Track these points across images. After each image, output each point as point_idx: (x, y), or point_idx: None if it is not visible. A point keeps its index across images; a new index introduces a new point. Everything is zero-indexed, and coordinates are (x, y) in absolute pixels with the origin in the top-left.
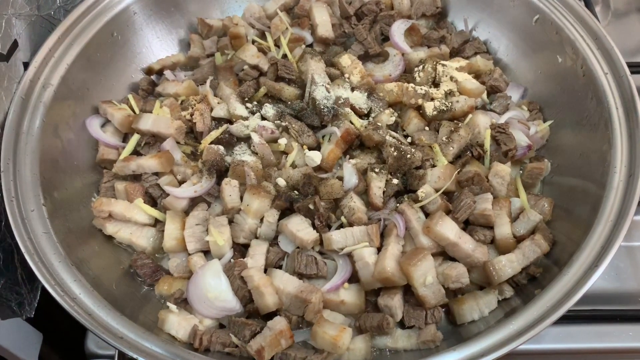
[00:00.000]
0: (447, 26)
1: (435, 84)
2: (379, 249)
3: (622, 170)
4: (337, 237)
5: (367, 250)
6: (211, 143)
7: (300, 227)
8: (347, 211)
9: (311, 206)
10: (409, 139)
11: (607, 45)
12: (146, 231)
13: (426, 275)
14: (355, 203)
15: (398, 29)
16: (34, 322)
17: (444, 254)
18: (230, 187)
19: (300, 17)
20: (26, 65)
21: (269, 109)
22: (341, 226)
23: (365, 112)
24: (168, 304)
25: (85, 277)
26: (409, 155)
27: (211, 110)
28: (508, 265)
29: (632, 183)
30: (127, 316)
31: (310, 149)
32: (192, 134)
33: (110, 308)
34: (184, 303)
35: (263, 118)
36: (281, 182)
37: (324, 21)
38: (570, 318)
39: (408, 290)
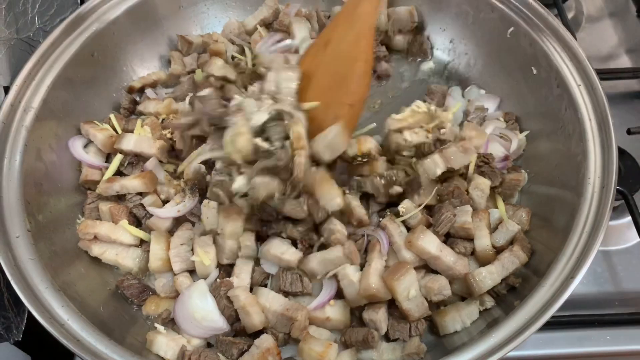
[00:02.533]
0: (424, 41)
1: None
2: (362, 265)
3: (595, 181)
4: (317, 267)
5: (350, 269)
6: None
7: (282, 250)
8: (327, 234)
9: (284, 235)
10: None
11: (580, 56)
12: (132, 252)
13: (409, 289)
14: (335, 225)
15: None
16: (21, 345)
17: (426, 266)
18: (207, 208)
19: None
20: (6, 89)
21: None
22: (323, 245)
23: None
24: (156, 325)
25: (72, 302)
26: (394, 178)
27: None
28: (488, 276)
29: (606, 194)
30: (115, 339)
31: None
32: (175, 152)
33: (98, 332)
34: (171, 323)
35: None
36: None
37: (304, 38)
38: (551, 324)
39: (392, 304)
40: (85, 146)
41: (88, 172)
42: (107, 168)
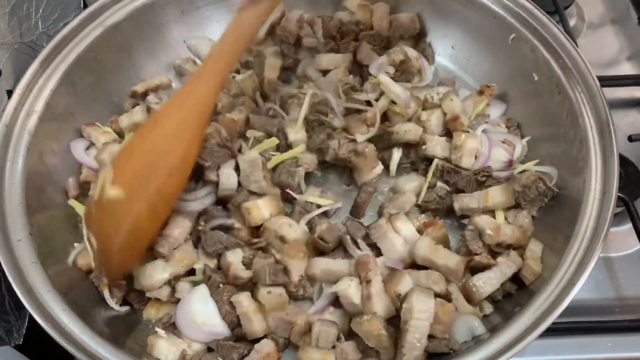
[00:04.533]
0: (426, 47)
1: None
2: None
3: (596, 187)
4: (319, 274)
5: (352, 289)
6: None
7: None
8: None
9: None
10: None
11: (581, 63)
12: None
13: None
14: None
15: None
16: (22, 349)
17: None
18: None
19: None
20: (10, 93)
21: None
22: None
23: None
24: (157, 329)
25: (73, 305)
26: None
27: None
28: (488, 282)
29: (607, 201)
30: (115, 343)
31: None
32: None
33: (99, 336)
34: (172, 327)
35: None
36: None
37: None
38: (552, 330)
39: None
40: (87, 148)
41: (88, 174)
42: None
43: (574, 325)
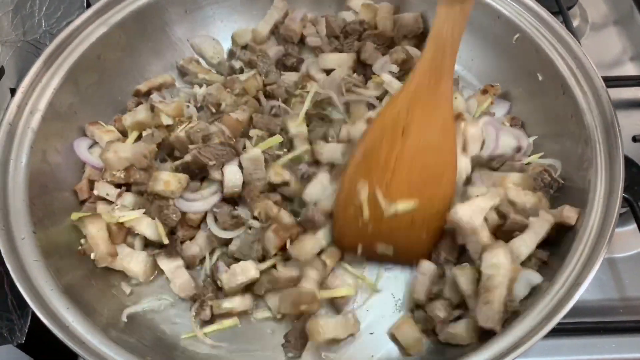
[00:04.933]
0: None
1: None
2: None
3: (602, 188)
4: None
5: None
6: None
7: None
8: None
9: None
10: None
11: (586, 64)
12: (138, 255)
13: None
14: None
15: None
16: (24, 348)
17: None
18: None
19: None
20: (13, 91)
21: None
22: None
23: None
24: None
25: (77, 304)
26: None
27: None
28: (523, 245)
29: (612, 201)
30: (119, 342)
31: None
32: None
33: (102, 335)
34: None
35: None
36: None
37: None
38: (556, 331)
39: None
40: (91, 147)
41: (91, 173)
42: None
43: (577, 326)
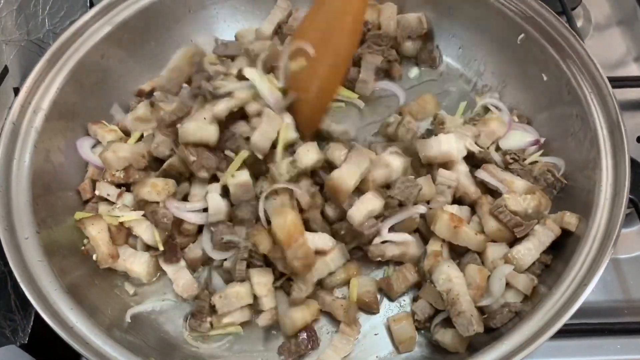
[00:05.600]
0: (433, 49)
1: None
2: None
3: (607, 189)
4: None
5: None
6: None
7: None
8: None
9: None
10: None
11: (591, 65)
12: (140, 256)
13: None
14: None
15: None
16: (27, 348)
17: None
18: None
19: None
20: (16, 90)
21: None
22: None
23: None
24: None
25: (80, 304)
26: None
27: None
28: (527, 253)
29: (618, 202)
30: (122, 342)
31: None
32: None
33: (106, 335)
34: None
35: None
36: None
37: None
38: (561, 332)
39: None
40: (94, 147)
41: (94, 172)
42: None
43: (583, 327)
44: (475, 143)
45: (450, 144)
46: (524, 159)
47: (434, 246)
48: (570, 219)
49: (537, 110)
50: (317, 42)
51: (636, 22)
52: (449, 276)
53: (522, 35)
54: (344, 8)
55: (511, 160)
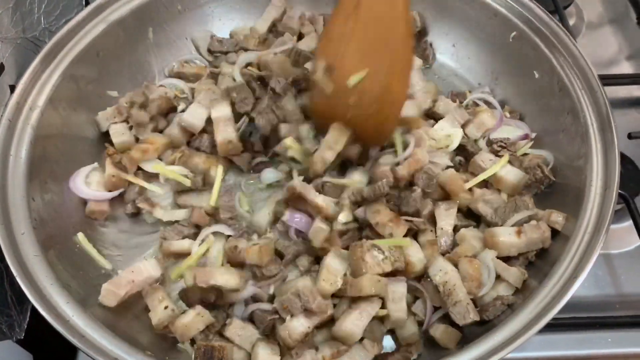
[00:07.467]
0: (427, 47)
1: None
2: None
3: (597, 183)
4: None
5: None
6: None
7: None
8: None
9: None
10: None
11: (582, 62)
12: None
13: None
14: None
15: None
16: (23, 343)
17: None
18: None
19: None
20: (12, 88)
21: None
22: None
23: None
24: None
25: (77, 298)
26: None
27: None
28: (513, 247)
29: (608, 196)
30: (120, 336)
31: None
32: None
33: (103, 329)
34: None
35: None
36: None
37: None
38: (552, 326)
39: None
40: (87, 177)
41: (93, 207)
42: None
43: (574, 321)
44: (465, 134)
45: None
46: (515, 152)
47: (428, 236)
48: (557, 218)
49: (529, 107)
50: (368, 53)
51: (628, 21)
52: (445, 269)
53: (515, 33)
54: (392, 14)
55: (499, 148)
